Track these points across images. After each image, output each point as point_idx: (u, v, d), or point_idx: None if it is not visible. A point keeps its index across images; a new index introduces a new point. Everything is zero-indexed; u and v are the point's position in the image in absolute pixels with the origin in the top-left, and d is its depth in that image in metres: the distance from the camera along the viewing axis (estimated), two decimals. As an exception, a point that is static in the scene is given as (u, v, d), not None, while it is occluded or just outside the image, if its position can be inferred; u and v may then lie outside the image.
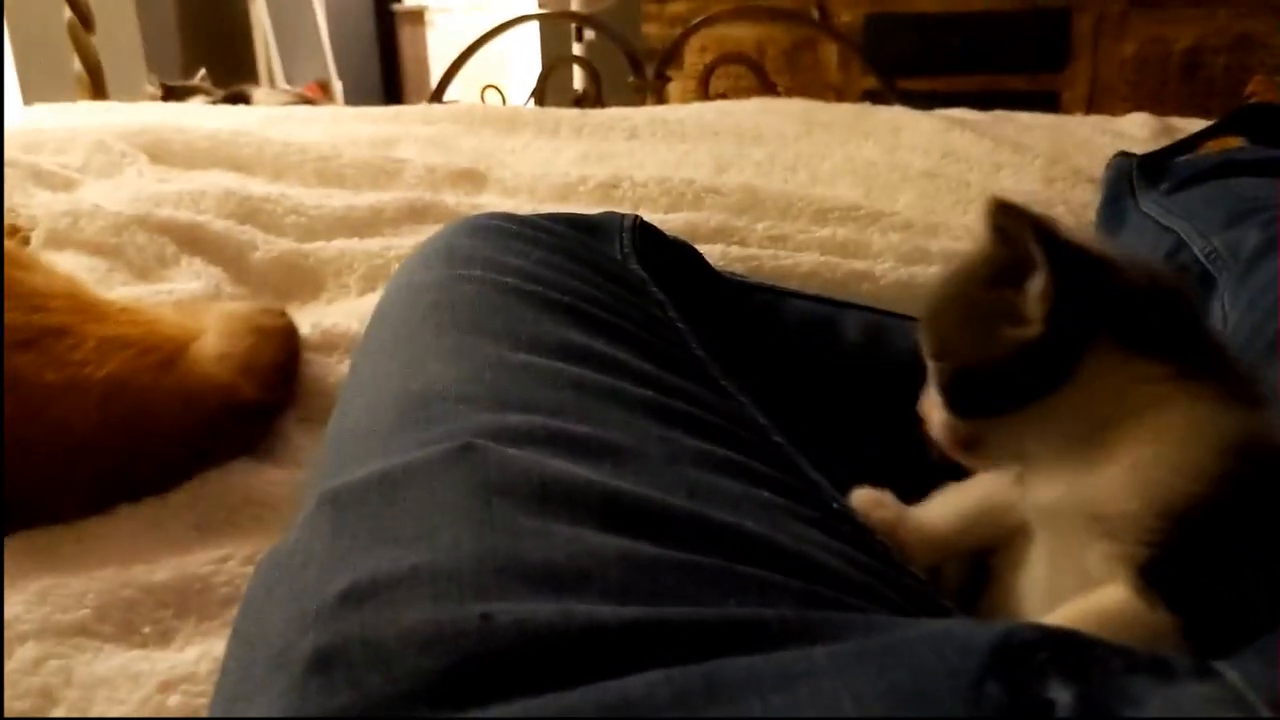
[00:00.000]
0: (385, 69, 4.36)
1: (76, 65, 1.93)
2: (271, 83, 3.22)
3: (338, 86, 3.57)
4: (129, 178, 1.13)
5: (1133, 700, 0.27)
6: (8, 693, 0.47)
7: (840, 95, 2.54)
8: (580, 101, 2.17)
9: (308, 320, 0.81)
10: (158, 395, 0.64)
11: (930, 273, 0.90)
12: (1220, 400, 0.40)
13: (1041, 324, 0.41)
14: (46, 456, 0.59)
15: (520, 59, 3.72)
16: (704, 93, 2.09)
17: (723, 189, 1.10)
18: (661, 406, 0.45)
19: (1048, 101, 2.50)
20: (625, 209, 0.72)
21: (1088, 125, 1.53)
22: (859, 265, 0.91)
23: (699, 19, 2.11)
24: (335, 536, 0.36)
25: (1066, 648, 0.29)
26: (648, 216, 0.67)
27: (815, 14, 2.61)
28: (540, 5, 3.41)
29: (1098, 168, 1.10)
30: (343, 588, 0.32)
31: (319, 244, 0.98)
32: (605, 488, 0.37)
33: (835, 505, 0.45)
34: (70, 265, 0.85)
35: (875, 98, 1.91)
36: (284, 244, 0.97)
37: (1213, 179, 0.88)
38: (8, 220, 0.90)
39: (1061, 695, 0.27)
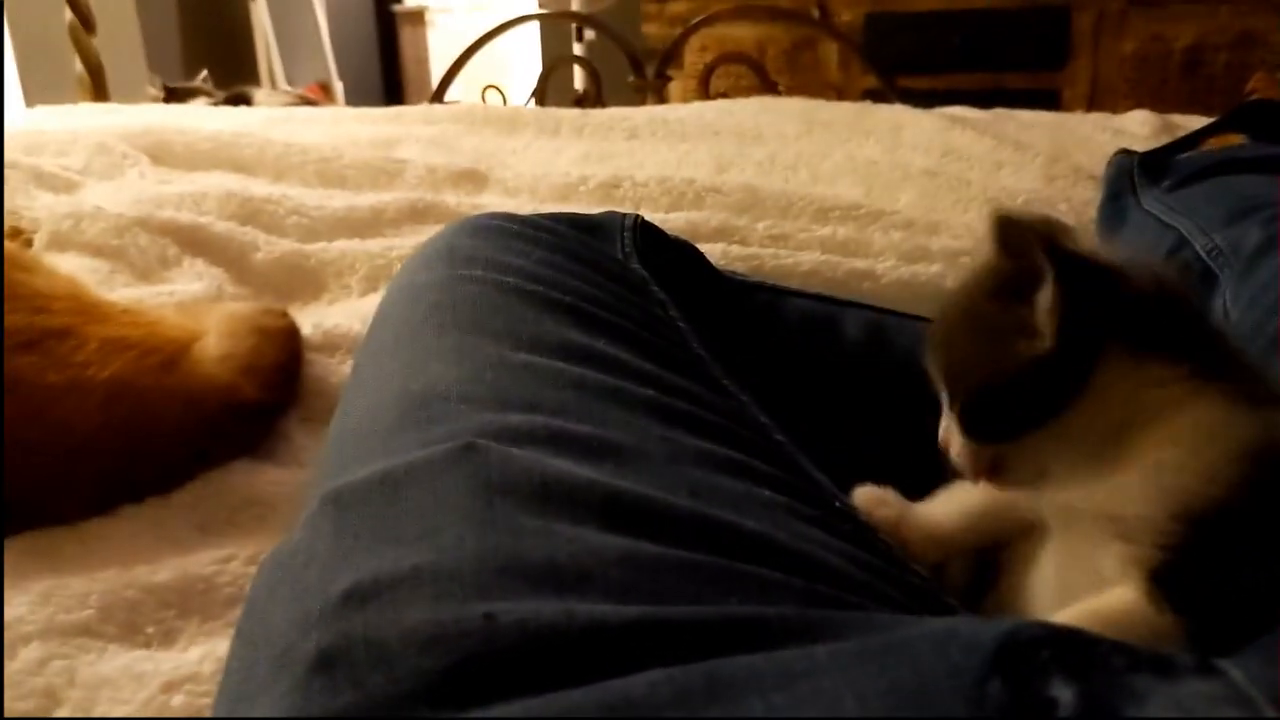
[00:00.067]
0: (386, 70, 4.37)
1: (78, 67, 1.93)
2: (273, 84, 3.23)
3: (338, 87, 3.58)
4: (131, 179, 1.13)
5: (1135, 698, 0.27)
6: (12, 693, 0.47)
7: (841, 94, 2.54)
8: (581, 101, 2.17)
9: (309, 321, 0.81)
10: (160, 396, 0.64)
11: (932, 271, 0.90)
12: (1233, 401, 0.40)
13: (1053, 336, 0.41)
14: (49, 458, 0.59)
15: (521, 59, 3.72)
16: (704, 92, 2.09)
17: (723, 188, 1.10)
18: (663, 406, 0.45)
19: (1048, 99, 2.50)
20: (626, 209, 0.73)
21: (1089, 123, 1.53)
22: (860, 264, 0.91)
23: (699, 19, 2.11)
24: (338, 537, 0.36)
25: (1068, 646, 0.29)
26: (649, 216, 0.67)
27: (815, 13, 2.61)
28: (540, 5, 3.41)
29: (1099, 165, 1.10)
30: (345, 588, 0.32)
31: (320, 245, 0.99)
32: (607, 487, 0.37)
33: (837, 504, 0.45)
34: (72, 267, 0.85)
35: (876, 96, 1.91)
36: (285, 245, 0.98)
37: (1214, 176, 0.88)
38: (10, 222, 0.90)
39: (1063, 693, 0.27)
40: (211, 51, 3.05)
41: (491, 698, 0.28)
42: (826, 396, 0.64)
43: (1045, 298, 0.41)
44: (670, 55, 2.07)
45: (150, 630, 0.53)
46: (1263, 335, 0.62)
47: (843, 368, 0.66)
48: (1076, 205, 1.08)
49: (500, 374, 0.45)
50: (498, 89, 2.42)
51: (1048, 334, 0.41)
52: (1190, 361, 0.41)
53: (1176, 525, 0.39)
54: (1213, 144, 1.03)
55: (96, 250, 0.90)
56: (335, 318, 0.83)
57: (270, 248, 0.96)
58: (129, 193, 1.04)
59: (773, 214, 1.04)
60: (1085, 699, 0.27)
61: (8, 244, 0.69)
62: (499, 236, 0.57)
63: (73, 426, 0.60)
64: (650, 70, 2.04)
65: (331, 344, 0.79)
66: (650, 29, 2.72)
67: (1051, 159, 1.24)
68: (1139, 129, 1.46)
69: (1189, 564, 0.39)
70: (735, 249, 0.93)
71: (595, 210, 0.66)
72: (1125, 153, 1.00)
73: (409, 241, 0.97)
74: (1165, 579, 0.39)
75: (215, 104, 2.18)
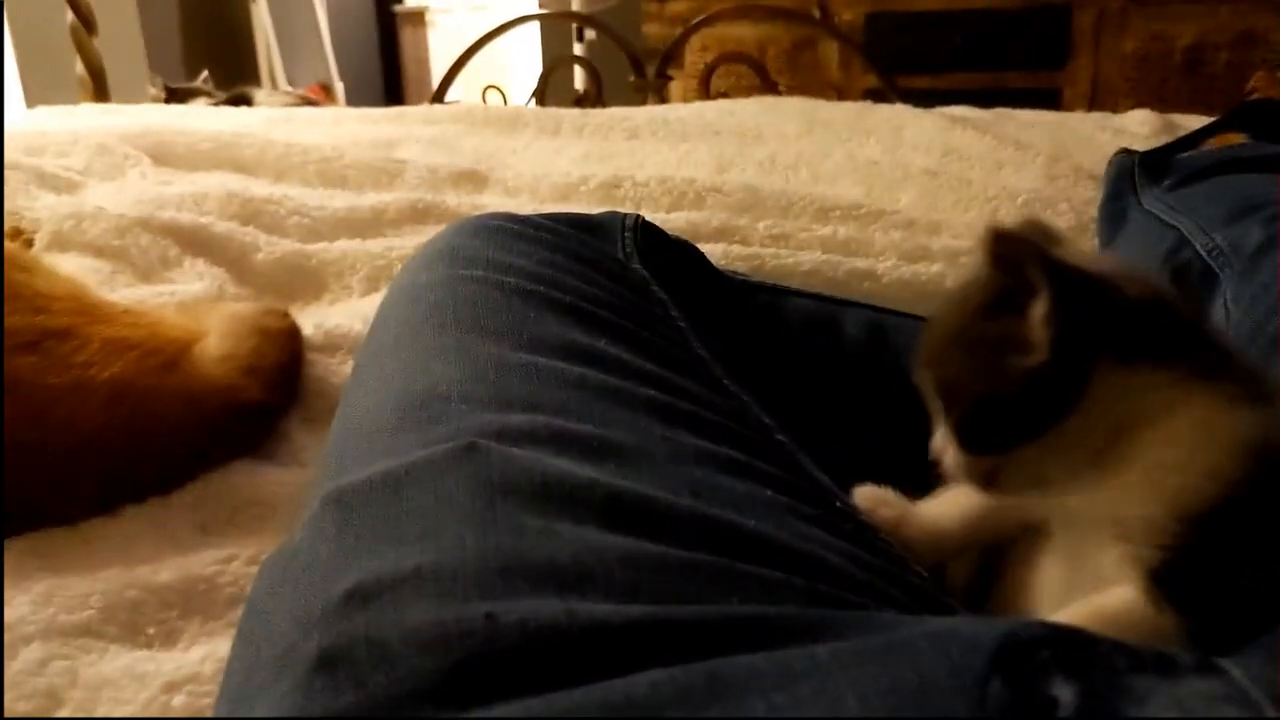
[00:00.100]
0: (387, 70, 4.37)
1: (79, 68, 1.93)
2: (273, 84, 3.23)
3: (339, 88, 3.58)
4: (132, 180, 1.13)
5: (1136, 697, 0.27)
6: (13, 694, 0.47)
7: (841, 94, 2.54)
8: (581, 101, 2.17)
9: (310, 321, 0.81)
10: (161, 396, 0.64)
11: (932, 271, 0.90)
12: (1231, 400, 0.40)
13: (1047, 349, 0.41)
14: (50, 458, 0.59)
15: (521, 59, 3.72)
16: (705, 92, 2.09)
17: (724, 188, 1.10)
18: (664, 406, 0.45)
19: (1049, 99, 2.50)
20: (627, 208, 0.73)
21: (1089, 122, 1.53)
22: (861, 264, 0.91)
23: (699, 18, 2.11)
24: (339, 537, 0.36)
25: (1069, 645, 0.29)
26: (649, 216, 0.67)
27: (816, 13, 2.61)
28: (541, 5, 3.41)
29: (1099, 165, 1.10)
30: (347, 588, 0.32)
31: (321, 245, 0.99)
32: (608, 487, 0.37)
33: (838, 504, 0.45)
34: (73, 267, 0.85)
35: (876, 96, 1.91)
36: (286, 245, 0.98)
37: (1215, 175, 0.87)
38: (11, 223, 0.90)
39: (1064, 693, 0.27)
40: (212, 52, 3.05)
41: (493, 697, 0.28)
42: (827, 396, 0.64)
43: (1039, 311, 0.41)
44: (671, 55, 2.07)
45: (151, 630, 0.53)
46: (1263, 335, 0.62)
47: (843, 368, 0.66)
48: (1077, 205, 1.07)
49: (501, 374, 0.45)
50: (498, 89, 2.42)
51: (1042, 346, 0.41)
52: (1186, 364, 0.41)
53: (1176, 525, 0.39)
54: (1213, 143, 1.03)
55: (98, 251, 0.90)
56: (336, 318, 0.83)
57: (271, 248, 0.96)
58: (130, 193, 1.04)
59: (773, 214, 1.04)
60: (1086, 698, 0.27)
61: (8, 244, 0.69)
62: (500, 236, 0.57)
63: (74, 427, 0.60)
64: (651, 70, 2.04)
65: (332, 344, 0.79)
66: (650, 29, 2.72)
67: (1052, 158, 1.24)
68: (1139, 128, 1.46)
69: (1189, 563, 0.39)
70: (736, 249, 0.93)
71: (596, 210, 0.66)
72: (1126, 152, 1.00)
73: (410, 242, 0.97)
74: (1165, 578, 0.39)
75: (216, 104, 2.18)
